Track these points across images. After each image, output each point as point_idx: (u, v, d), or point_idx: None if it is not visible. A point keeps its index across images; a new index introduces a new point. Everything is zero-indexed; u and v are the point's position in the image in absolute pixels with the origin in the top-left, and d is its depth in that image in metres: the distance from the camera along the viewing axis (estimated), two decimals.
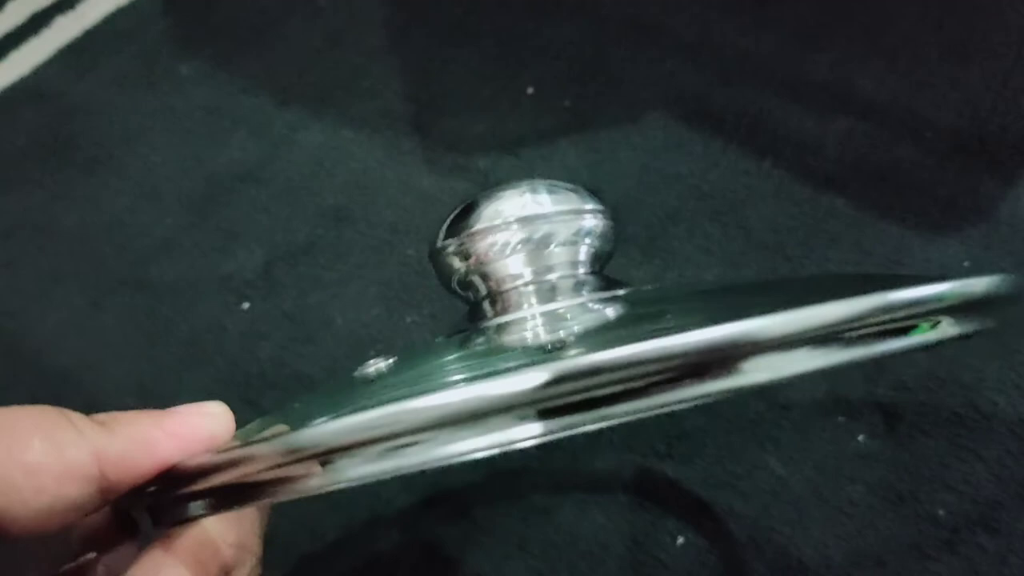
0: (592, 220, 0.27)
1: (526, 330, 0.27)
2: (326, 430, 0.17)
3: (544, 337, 0.26)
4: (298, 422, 0.19)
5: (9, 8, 0.58)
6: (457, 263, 0.28)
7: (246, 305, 0.47)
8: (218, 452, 0.19)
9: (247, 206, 0.50)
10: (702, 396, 0.18)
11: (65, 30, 0.57)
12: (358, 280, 0.48)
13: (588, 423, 0.18)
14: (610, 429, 0.42)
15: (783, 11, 0.57)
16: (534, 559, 0.40)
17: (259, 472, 0.18)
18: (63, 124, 0.54)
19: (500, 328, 0.27)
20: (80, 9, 0.57)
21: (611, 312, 0.27)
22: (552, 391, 0.17)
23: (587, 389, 0.17)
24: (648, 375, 0.17)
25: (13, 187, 0.52)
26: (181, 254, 0.48)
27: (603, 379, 0.17)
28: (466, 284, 0.28)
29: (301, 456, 0.17)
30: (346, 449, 0.17)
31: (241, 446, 0.18)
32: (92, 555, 0.22)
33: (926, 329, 0.20)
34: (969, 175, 0.50)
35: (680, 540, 0.40)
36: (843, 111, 0.53)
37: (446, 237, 0.28)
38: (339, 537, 0.41)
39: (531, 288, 0.27)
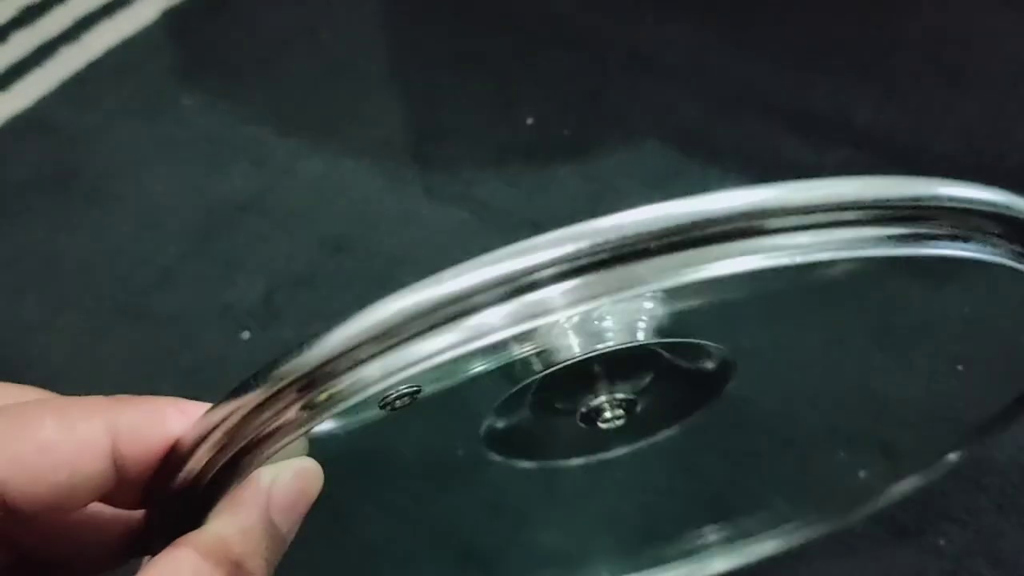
0: None
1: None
2: (317, 347, 0.17)
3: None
4: None
5: (13, 39, 0.58)
6: (523, 345, 0.28)
7: (246, 335, 0.47)
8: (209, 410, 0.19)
9: (248, 236, 0.51)
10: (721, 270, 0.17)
11: (69, 61, 0.57)
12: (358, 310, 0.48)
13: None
14: (613, 464, 0.42)
15: (780, 43, 0.58)
16: None
17: (258, 413, 0.18)
18: (66, 154, 0.54)
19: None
20: (84, 41, 0.58)
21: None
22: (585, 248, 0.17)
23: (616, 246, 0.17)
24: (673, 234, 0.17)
25: (16, 217, 0.52)
26: (182, 284, 0.49)
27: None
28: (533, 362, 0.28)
29: (292, 380, 0.17)
30: (349, 354, 0.17)
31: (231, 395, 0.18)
32: None
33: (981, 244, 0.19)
34: None
35: None
36: (841, 140, 0.53)
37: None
38: None
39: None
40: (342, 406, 0.17)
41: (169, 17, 0.60)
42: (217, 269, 0.49)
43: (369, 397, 0.18)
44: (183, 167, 0.53)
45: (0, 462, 0.18)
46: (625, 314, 0.26)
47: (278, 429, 0.18)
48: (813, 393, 0.42)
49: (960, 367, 0.43)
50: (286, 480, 0.21)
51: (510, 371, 0.27)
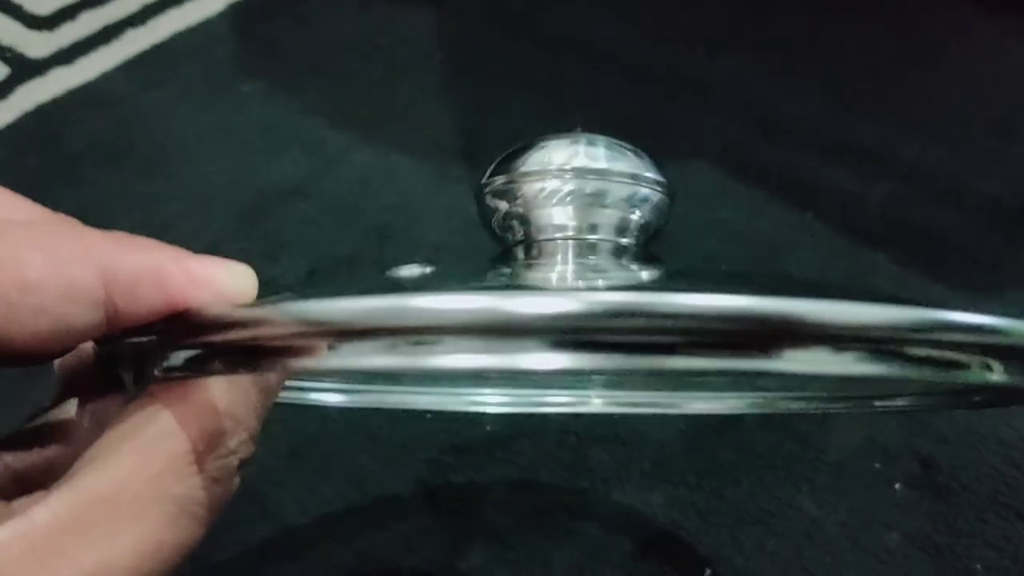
0: (648, 190, 0.27)
1: (554, 272, 0.26)
2: (344, 307, 0.16)
3: (572, 282, 0.25)
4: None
5: (82, 18, 0.60)
6: (501, 204, 0.27)
7: None
8: (233, 307, 0.18)
9: (295, 218, 0.51)
10: (731, 370, 0.16)
11: (135, 43, 0.59)
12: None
13: (611, 365, 0.16)
14: (640, 456, 0.41)
15: (828, 77, 0.58)
16: None
17: (267, 338, 0.16)
18: (124, 130, 0.55)
19: (529, 266, 0.26)
20: (151, 25, 0.59)
21: (645, 274, 0.27)
22: (579, 322, 0.15)
23: (623, 331, 0.15)
24: (678, 331, 0.15)
25: (71, 185, 0.52)
26: (227, 258, 0.49)
27: (638, 323, 0.15)
28: (505, 227, 0.28)
29: (315, 330, 0.16)
30: (361, 333, 0.16)
31: (255, 306, 0.17)
32: (74, 400, 0.21)
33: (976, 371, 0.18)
34: (1012, 242, 0.50)
35: (708, 572, 0.39)
36: (886, 175, 0.53)
37: (494, 175, 0.27)
38: (360, 550, 0.40)
39: (569, 243, 0.26)
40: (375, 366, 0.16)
41: (235, 10, 0.61)
42: (262, 248, 0.50)
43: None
44: (237, 150, 0.54)
45: None
46: None
47: (297, 357, 0.17)
48: None
49: None
50: None
51: None
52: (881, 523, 0.40)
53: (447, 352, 0.16)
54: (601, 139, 0.27)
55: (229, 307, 0.18)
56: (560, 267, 0.26)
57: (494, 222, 0.28)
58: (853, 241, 0.50)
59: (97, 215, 0.52)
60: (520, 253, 0.27)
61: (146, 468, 0.17)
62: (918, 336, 0.16)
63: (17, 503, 0.17)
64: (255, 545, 0.39)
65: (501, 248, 0.28)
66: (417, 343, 0.16)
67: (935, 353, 0.17)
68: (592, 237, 0.26)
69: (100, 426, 0.22)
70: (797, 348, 0.16)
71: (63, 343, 0.18)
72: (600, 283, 0.25)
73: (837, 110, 0.57)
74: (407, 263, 0.24)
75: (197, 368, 0.18)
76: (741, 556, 0.39)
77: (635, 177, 0.26)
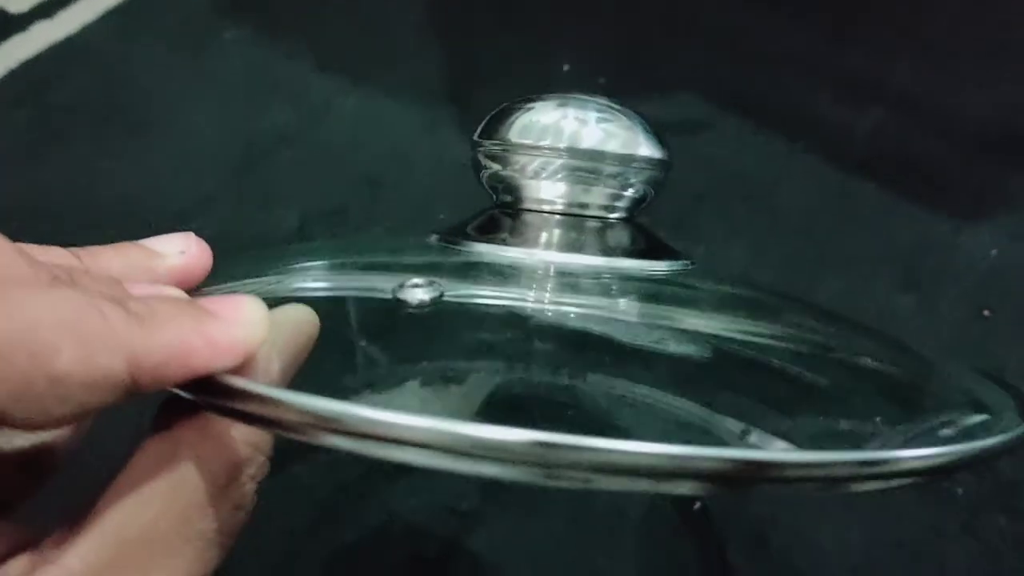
0: (642, 168, 0.26)
1: (533, 287, 0.26)
2: (358, 415, 0.17)
3: (548, 305, 0.25)
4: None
5: None
6: (492, 165, 0.27)
7: None
8: (252, 383, 0.18)
9: (284, 169, 0.51)
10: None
11: None
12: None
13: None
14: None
15: (816, 7, 0.57)
16: (550, 520, 0.40)
17: (277, 415, 0.17)
18: (109, 83, 0.55)
19: (512, 269, 0.26)
20: None
21: (622, 305, 0.26)
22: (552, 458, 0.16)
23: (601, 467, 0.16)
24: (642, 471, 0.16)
25: (58, 144, 0.53)
26: (218, 212, 0.49)
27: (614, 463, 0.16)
28: (495, 187, 0.28)
29: (327, 427, 0.17)
30: (368, 436, 0.17)
31: (275, 390, 0.18)
32: None
33: None
34: (999, 170, 0.50)
35: (697, 505, 0.40)
36: (876, 102, 0.53)
37: (489, 135, 0.27)
38: (357, 536, 0.41)
39: (556, 219, 0.26)
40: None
41: None
42: (253, 199, 0.50)
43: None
44: (223, 101, 0.54)
45: (2, 388, 0.16)
46: None
47: (303, 433, 0.17)
48: None
49: (986, 312, 0.43)
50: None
51: None
52: None
53: (432, 458, 0.16)
54: (592, 103, 0.26)
55: (249, 383, 0.18)
56: (539, 280, 0.26)
57: (484, 178, 0.28)
58: (842, 171, 0.50)
59: (87, 174, 0.53)
60: (506, 223, 0.27)
61: (172, 508, 0.18)
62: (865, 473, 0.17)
63: (45, 547, 0.17)
64: (246, 534, 0.40)
65: (491, 204, 0.29)
66: (402, 448, 0.17)
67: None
68: (580, 214, 0.26)
69: None
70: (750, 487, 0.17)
71: (79, 421, 0.19)
72: (571, 310, 0.25)
73: (824, 39, 0.56)
74: (413, 281, 0.24)
75: (215, 410, 0.18)
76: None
77: (629, 159, 0.26)
